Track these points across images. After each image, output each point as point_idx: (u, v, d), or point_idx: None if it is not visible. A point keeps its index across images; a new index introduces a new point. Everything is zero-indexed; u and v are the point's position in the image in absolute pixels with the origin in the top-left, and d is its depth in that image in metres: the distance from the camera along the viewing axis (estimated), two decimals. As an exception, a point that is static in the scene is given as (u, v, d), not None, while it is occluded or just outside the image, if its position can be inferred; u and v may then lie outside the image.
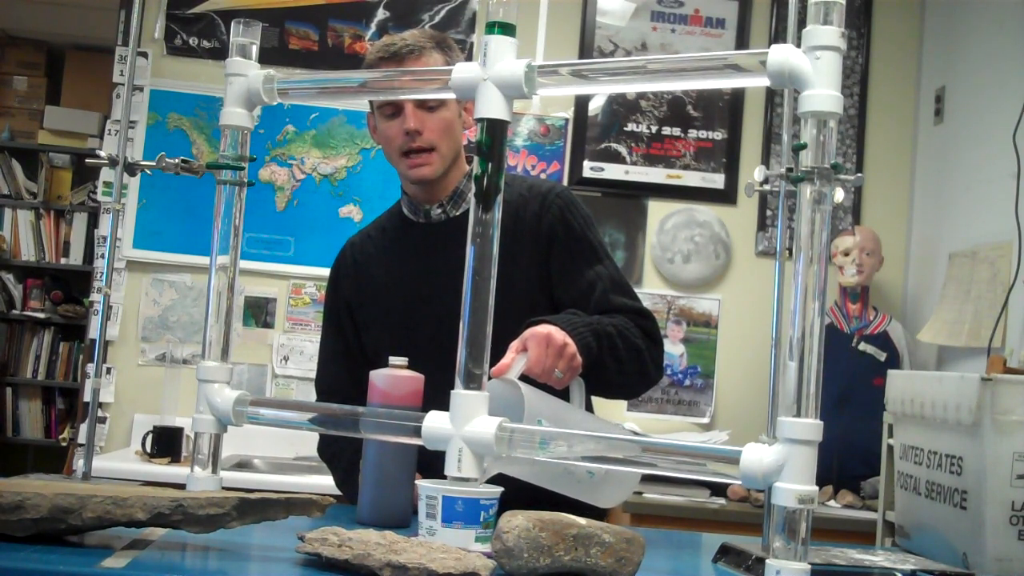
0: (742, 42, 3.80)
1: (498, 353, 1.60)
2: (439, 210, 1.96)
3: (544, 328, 1.64)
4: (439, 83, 1.45)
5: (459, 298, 1.59)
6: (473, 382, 1.34)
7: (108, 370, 3.53)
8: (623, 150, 3.77)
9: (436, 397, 1.49)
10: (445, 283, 1.84)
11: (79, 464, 1.73)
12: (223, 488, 1.43)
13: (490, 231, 1.36)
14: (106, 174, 3.56)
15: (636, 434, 2.00)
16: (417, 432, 1.35)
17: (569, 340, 1.64)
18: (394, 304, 1.96)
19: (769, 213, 3.80)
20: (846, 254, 3.51)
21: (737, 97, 3.83)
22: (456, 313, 1.62)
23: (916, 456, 1.61)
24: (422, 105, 1.88)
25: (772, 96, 3.82)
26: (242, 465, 3.26)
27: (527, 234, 1.91)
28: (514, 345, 1.63)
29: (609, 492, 1.62)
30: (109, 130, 3.70)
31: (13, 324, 5.56)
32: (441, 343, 1.76)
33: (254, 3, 3.71)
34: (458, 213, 1.95)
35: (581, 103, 3.78)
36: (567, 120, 3.78)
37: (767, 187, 1.50)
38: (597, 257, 1.94)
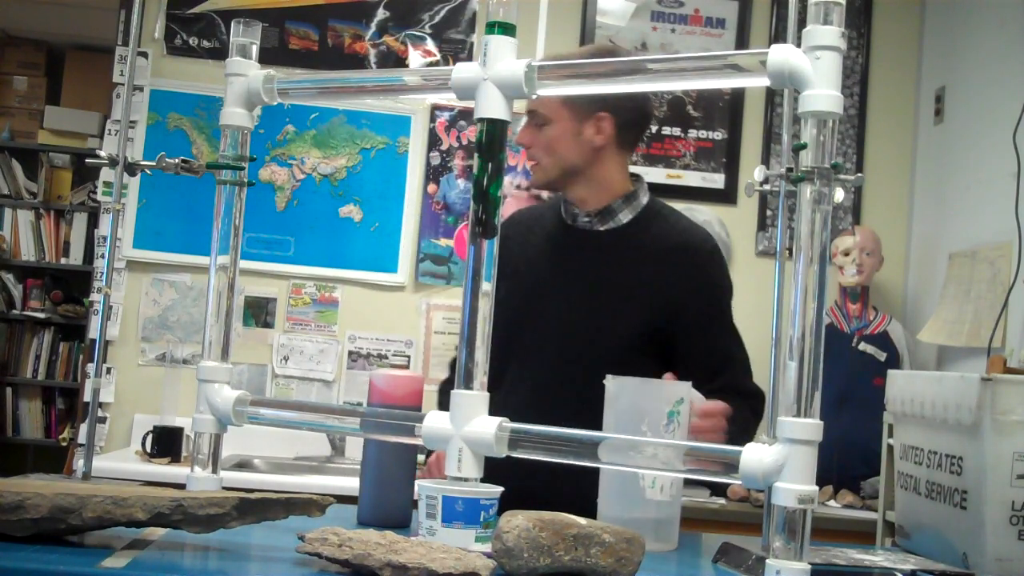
0: (742, 42, 3.80)
1: (584, 371, 1.69)
2: (586, 219, 2.01)
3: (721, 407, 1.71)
4: (439, 83, 1.45)
5: (572, 305, 1.69)
6: (473, 382, 1.34)
7: (108, 370, 3.53)
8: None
9: (520, 390, 1.65)
10: (565, 287, 1.95)
11: (79, 464, 1.73)
12: (223, 488, 1.43)
13: (489, 218, 1.36)
14: (106, 174, 3.56)
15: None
16: (417, 432, 1.35)
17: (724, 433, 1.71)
18: (516, 287, 1.96)
19: (769, 213, 3.80)
20: (846, 254, 3.51)
21: (737, 97, 3.83)
22: (563, 319, 1.83)
23: (916, 456, 1.61)
24: (533, 121, 1.98)
25: (772, 96, 3.82)
26: (242, 465, 3.26)
27: (653, 276, 1.94)
28: (718, 408, 1.70)
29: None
30: (109, 130, 3.69)
31: (13, 324, 5.56)
32: (542, 341, 1.94)
33: (254, 3, 3.71)
34: (602, 228, 2.00)
35: (581, 103, 3.78)
36: (567, 120, 3.78)
37: (767, 187, 1.50)
38: (731, 331, 2.01)
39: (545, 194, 3.75)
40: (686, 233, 2.03)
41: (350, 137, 3.70)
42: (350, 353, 3.63)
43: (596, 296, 1.95)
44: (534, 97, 1.39)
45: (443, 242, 3.69)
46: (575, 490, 1.54)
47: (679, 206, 3.77)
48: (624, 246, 1.97)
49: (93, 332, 3.57)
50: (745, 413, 1.86)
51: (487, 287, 1.36)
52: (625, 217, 2.01)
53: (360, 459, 1.62)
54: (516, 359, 1.93)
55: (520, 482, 1.51)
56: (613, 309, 1.93)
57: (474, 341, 1.35)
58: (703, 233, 2.07)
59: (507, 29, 1.38)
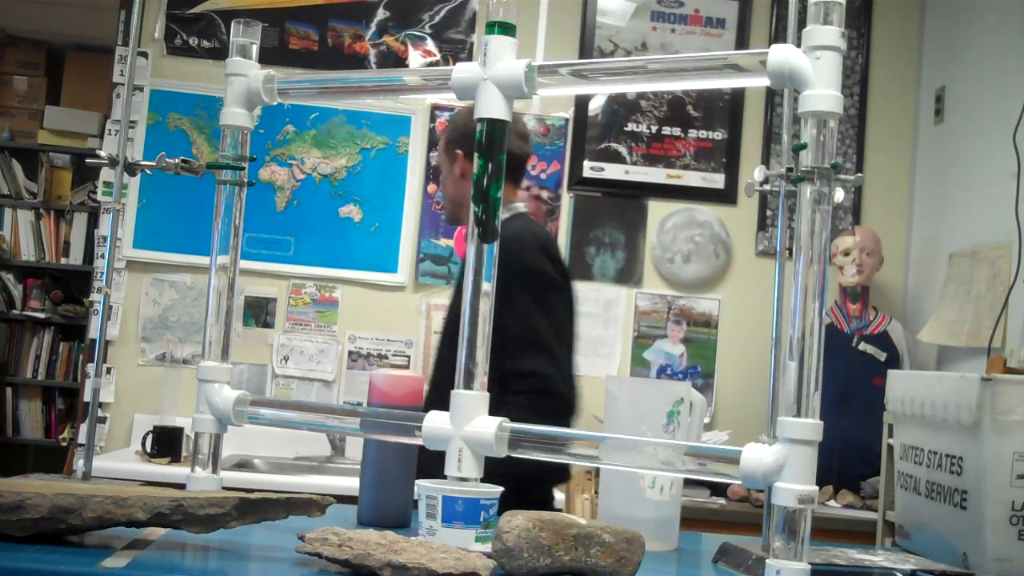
0: (742, 42, 3.80)
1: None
2: None
3: None
4: (439, 83, 1.45)
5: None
6: (472, 382, 1.34)
7: (108, 370, 3.53)
8: (623, 150, 3.77)
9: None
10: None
11: (79, 464, 1.73)
12: (223, 488, 1.43)
13: (490, 222, 1.36)
14: (106, 174, 3.56)
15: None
16: (417, 432, 1.35)
17: None
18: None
19: (769, 213, 3.81)
20: (846, 254, 3.51)
21: (737, 97, 3.83)
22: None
23: (916, 456, 1.61)
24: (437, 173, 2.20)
25: (772, 96, 3.82)
26: (242, 465, 3.26)
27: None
28: None
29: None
30: (109, 130, 3.69)
31: (13, 324, 5.56)
32: None
33: (254, 3, 3.71)
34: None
35: (581, 103, 3.78)
36: (567, 120, 3.78)
37: (767, 187, 1.50)
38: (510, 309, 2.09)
39: (545, 194, 3.76)
40: (506, 229, 2.17)
41: (350, 137, 3.70)
42: (350, 353, 3.63)
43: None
44: (533, 97, 1.39)
45: (443, 242, 3.69)
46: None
47: (679, 206, 3.81)
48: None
49: (93, 332, 3.57)
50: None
51: (487, 287, 1.36)
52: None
53: (360, 459, 1.62)
54: None
55: (520, 481, 1.52)
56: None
57: (475, 341, 1.35)
58: (516, 230, 2.16)
59: (507, 29, 1.37)
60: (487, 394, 1.35)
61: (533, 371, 2.07)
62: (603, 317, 3.74)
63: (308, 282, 3.65)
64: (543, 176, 3.75)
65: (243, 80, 1.55)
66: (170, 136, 3.64)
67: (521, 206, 2.36)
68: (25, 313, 5.53)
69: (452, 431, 1.32)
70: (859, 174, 1.29)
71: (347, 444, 3.40)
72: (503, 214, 2.13)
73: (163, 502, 1.16)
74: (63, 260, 5.53)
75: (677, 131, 3.81)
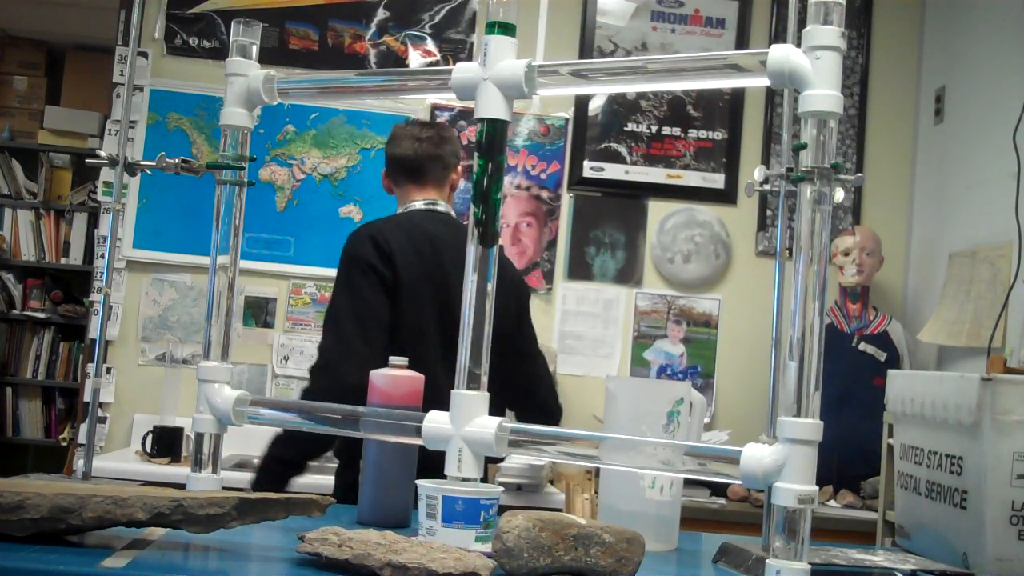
0: (742, 42, 3.80)
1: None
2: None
3: None
4: (439, 83, 1.45)
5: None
6: (473, 382, 1.34)
7: (108, 370, 3.53)
8: (623, 150, 3.77)
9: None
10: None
11: (79, 464, 1.73)
12: (223, 488, 1.43)
13: (490, 226, 1.36)
14: (106, 174, 3.56)
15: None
16: (417, 432, 1.35)
17: None
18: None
19: (769, 213, 3.80)
20: (846, 254, 3.51)
21: (737, 97, 3.83)
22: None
23: (916, 456, 1.61)
24: None
25: (772, 96, 3.82)
26: (242, 465, 3.26)
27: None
28: None
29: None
30: (109, 130, 3.69)
31: (13, 324, 5.55)
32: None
33: (254, 3, 3.71)
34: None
35: (581, 103, 3.78)
36: (567, 120, 3.78)
37: (767, 187, 1.50)
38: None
39: (545, 194, 3.75)
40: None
41: (350, 137, 3.70)
42: (350, 353, 3.63)
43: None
44: (533, 97, 1.39)
45: (443, 242, 3.69)
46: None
47: (679, 206, 3.81)
48: None
49: (93, 332, 3.57)
50: None
51: (488, 287, 1.36)
52: None
53: (360, 459, 1.62)
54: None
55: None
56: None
57: (477, 341, 1.35)
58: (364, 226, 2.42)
59: (507, 29, 1.37)
60: (487, 394, 1.35)
61: (320, 346, 2.25)
62: (603, 317, 3.74)
63: (308, 282, 3.65)
64: (543, 176, 3.75)
65: (243, 80, 1.55)
66: (170, 136, 3.64)
67: (420, 203, 2.42)
68: (25, 313, 5.53)
69: (452, 431, 1.32)
70: (859, 174, 1.29)
71: (347, 444, 3.40)
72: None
73: (163, 502, 1.16)
74: (63, 260, 5.52)
75: (677, 131, 3.81)
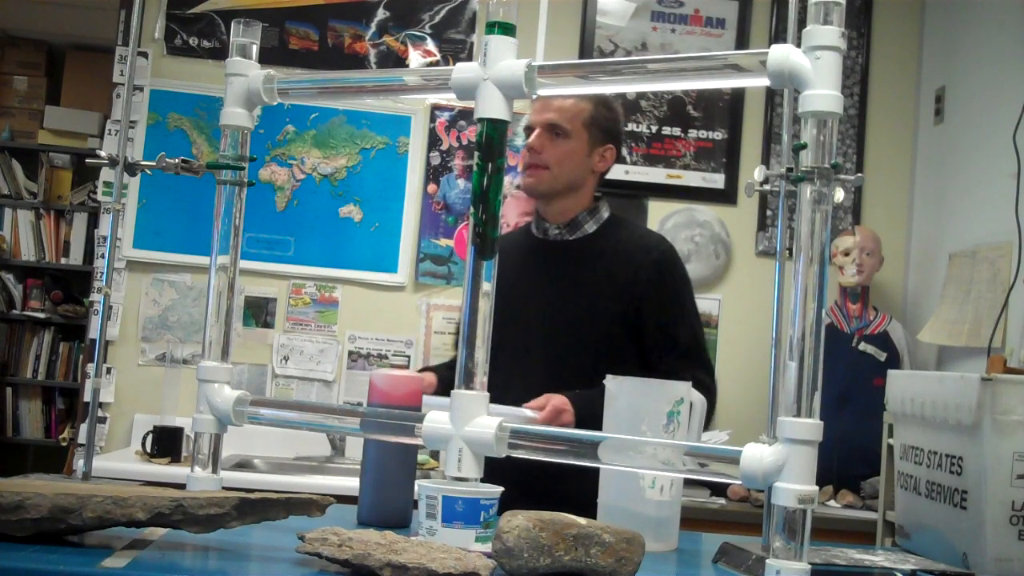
0: (742, 42, 3.80)
1: (570, 363, 2.11)
2: (556, 231, 2.27)
3: (563, 402, 1.97)
4: (439, 83, 1.45)
5: (553, 306, 2.14)
6: (473, 382, 1.34)
7: (108, 370, 3.53)
8: (623, 150, 3.77)
9: (514, 387, 1.90)
10: (545, 291, 2.18)
11: (79, 464, 1.73)
12: (223, 488, 1.43)
13: (488, 233, 1.36)
14: (106, 174, 3.56)
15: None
16: (417, 432, 1.35)
17: (572, 420, 1.95)
18: (499, 300, 2.13)
19: (769, 213, 3.81)
20: (846, 254, 3.51)
21: (737, 97, 3.83)
22: (545, 318, 2.15)
23: (916, 456, 1.61)
24: (551, 131, 2.19)
25: (772, 96, 3.82)
26: (242, 465, 3.26)
27: (619, 273, 2.18)
28: (538, 402, 1.96)
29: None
30: (109, 130, 3.69)
31: (13, 324, 5.55)
32: (528, 343, 2.17)
33: (254, 3, 3.71)
34: (571, 238, 2.26)
35: (581, 103, 3.78)
36: (567, 120, 3.77)
37: (767, 187, 1.50)
38: (685, 318, 2.20)
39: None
40: (644, 237, 2.28)
41: (350, 137, 3.70)
42: (350, 353, 3.63)
43: (573, 295, 2.20)
44: (534, 98, 1.39)
45: (443, 242, 3.69)
46: (576, 487, 1.56)
47: (679, 206, 3.81)
48: (593, 251, 2.24)
49: (93, 332, 3.57)
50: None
51: (487, 287, 1.36)
52: (591, 228, 2.27)
53: (360, 459, 1.62)
54: (504, 361, 2.03)
55: (520, 477, 1.52)
56: (588, 304, 2.18)
57: (474, 341, 1.35)
58: (658, 236, 2.34)
59: (507, 29, 1.38)
60: (487, 394, 1.35)
61: (707, 362, 2.28)
62: (603, 317, 3.74)
63: (308, 282, 3.65)
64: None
65: (243, 80, 1.55)
66: (170, 136, 3.63)
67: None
68: (25, 313, 5.53)
69: (452, 431, 1.32)
70: (859, 174, 1.29)
71: (347, 444, 3.40)
72: (600, 211, 2.29)
73: (163, 502, 1.16)
74: (63, 260, 5.52)
75: (677, 131, 3.81)
